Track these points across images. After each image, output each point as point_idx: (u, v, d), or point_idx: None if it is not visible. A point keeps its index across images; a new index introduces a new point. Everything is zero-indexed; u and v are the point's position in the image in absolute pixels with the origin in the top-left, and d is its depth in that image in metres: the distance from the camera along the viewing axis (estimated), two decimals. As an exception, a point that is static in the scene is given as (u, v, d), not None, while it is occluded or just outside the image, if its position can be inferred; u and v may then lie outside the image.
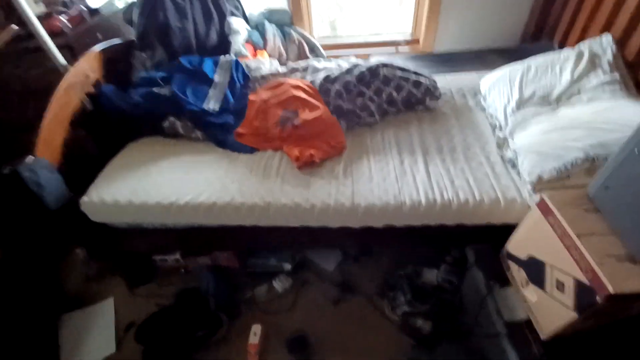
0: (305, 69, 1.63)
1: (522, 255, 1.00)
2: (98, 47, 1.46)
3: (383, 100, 1.47)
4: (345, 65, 1.59)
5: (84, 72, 1.34)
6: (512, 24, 1.82)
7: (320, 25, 2.20)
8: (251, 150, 1.36)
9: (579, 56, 1.29)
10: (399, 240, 1.32)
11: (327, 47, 2.07)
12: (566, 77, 1.25)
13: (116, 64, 1.54)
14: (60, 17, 1.47)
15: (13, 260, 1.40)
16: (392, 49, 2.11)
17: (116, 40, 1.56)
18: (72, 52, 1.46)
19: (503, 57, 1.71)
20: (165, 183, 1.21)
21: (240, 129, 1.42)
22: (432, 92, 1.47)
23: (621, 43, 1.28)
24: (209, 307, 1.46)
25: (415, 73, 1.50)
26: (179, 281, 1.63)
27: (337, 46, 2.11)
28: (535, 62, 1.37)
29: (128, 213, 1.21)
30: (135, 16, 1.52)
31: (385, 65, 1.47)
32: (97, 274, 1.69)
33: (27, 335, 1.41)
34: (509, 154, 1.19)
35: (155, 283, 1.64)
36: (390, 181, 1.19)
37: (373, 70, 1.46)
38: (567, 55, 1.32)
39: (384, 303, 1.43)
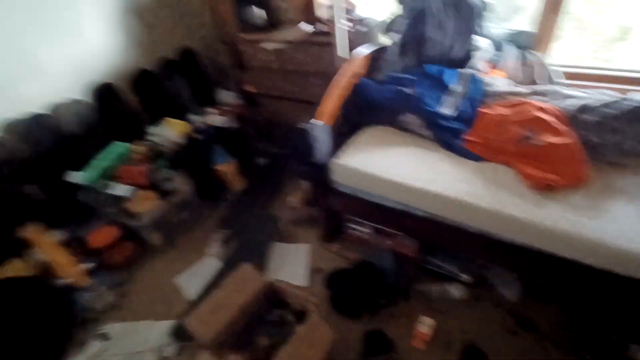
0: (548, 93, 1.59)
1: None
2: (369, 49, 1.82)
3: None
4: (600, 97, 1.47)
5: (359, 66, 1.71)
6: None
7: (562, 53, 2.07)
8: (478, 158, 1.44)
9: None
10: (626, 298, 1.16)
11: (568, 76, 1.93)
12: None
13: (371, 63, 1.88)
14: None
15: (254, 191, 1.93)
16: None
17: (376, 45, 1.90)
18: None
19: None
20: (402, 165, 1.43)
21: (469, 137, 1.52)
22: None
23: None
24: (385, 281, 1.63)
25: None
26: (361, 251, 1.88)
27: (581, 76, 1.95)
28: None
29: (364, 180, 1.47)
30: (399, 26, 1.81)
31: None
32: (300, 220, 2.11)
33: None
34: None
35: (342, 245, 1.94)
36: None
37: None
38: None
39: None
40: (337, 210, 1.73)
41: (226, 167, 2.16)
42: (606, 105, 1.39)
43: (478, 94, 1.69)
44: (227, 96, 2.66)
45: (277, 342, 1.36)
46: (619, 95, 1.48)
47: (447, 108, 1.63)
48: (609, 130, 1.36)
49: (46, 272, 1.68)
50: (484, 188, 1.29)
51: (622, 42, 2.10)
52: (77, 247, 1.80)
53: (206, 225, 2.17)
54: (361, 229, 1.86)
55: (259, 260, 1.86)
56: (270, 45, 2.12)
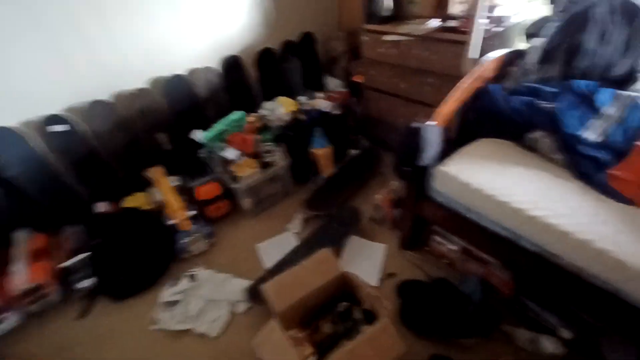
0: None
1: None
2: (499, 52, 1.63)
3: None
4: None
5: (487, 69, 1.54)
6: None
7: None
8: (626, 200, 1.18)
9: None
10: None
11: None
12: None
13: (501, 69, 1.68)
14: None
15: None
16: None
17: (512, 49, 1.69)
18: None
19: None
20: (521, 188, 1.25)
21: (617, 172, 1.25)
22: None
23: None
24: (469, 309, 1.48)
25: None
26: (440, 268, 1.74)
27: None
28: None
29: (470, 195, 1.34)
30: (547, 30, 1.57)
31: None
32: (382, 219, 2.05)
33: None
34: None
35: (421, 256, 1.83)
36: None
37: None
38: None
39: None
40: (427, 218, 1.62)
41: (322, 151, 2.21)
42: None
43: (638, 123, 1.37)
44: (334, 83, 2.72)
45: (339, 333, 1.36)
46: None
47: (592, 133, 1.37)
48: None
49: (160, 210, 1.97)
50: (631, 237, 1.05)
51: None
52: (187, 194, 2.07)
53: (292, 202, 2.27)
54: (447, 245, 1.72)
55: (335, 248, 1.87)
56: (391, 37, 2.06)
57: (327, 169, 2.30)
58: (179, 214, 1.90)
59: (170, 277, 1.84)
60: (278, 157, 2.12)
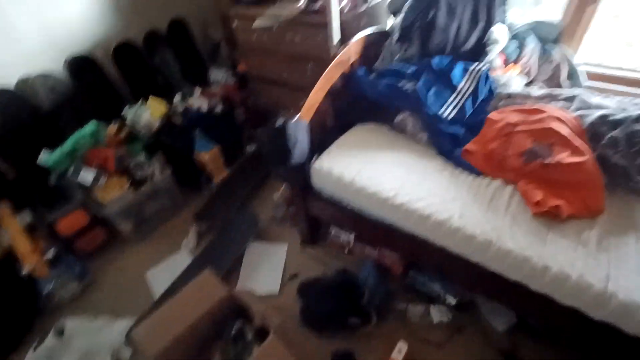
0: (570, 99, 1.35)
1: None
2: (363, 33, 1.58)
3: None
4: (633, 107, 1.24)
5: (348, 54, 1.49)
6: None
7: (592, 50, 1.79)
8: (477, 172, 1.25)
9: None
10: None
11: (594, 77, 1.67)
12: None
13: (369, 50, 1.65)
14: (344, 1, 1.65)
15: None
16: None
17: (376, 29, 1.66)
18: (343, 33, 1.63)
19: None
20: (388, 176, 1.24)
21: (470, 146, 1.31)
22: None
23: None
24: (363, 298, 1.49)
25: None
26: (341, 258, 1.73)
27: (610, 79, 1.68)
28: None
29: (344, 189, 1.30)
30: (404, 8, 1.57)
31: None
32: (283, 218, 1.96)
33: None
34: None
35: (322, 249, 1.80)
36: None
37: (684, 128, 1.08)
38: None
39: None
40: (316, 214, 1.57)
41: (208, 154, 2.01)
42: (638, 119, 1.16)
43: (489, 96, 1.46)
44: (220, 75, 2.47)
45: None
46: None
47: (450, 110, 1.42)
48: (636, 151, 1.14)
49: (11, 256, 1.60)
50: (479, 211, 1.10)
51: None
52: (44, 231, 1.71)
53: (183, 216, 2.04)
54: (344, 235, 1.71)
55: (233, 259, 1.74)
56: (260, 22, 1.90)
57: (219, 173, 2.11)
58: (31, 259, 1.56)
59: (35, 336, 1.53)
60: (155, 170, 1.86)
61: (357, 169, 1.29)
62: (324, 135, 1.48)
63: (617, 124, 1.17)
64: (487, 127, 1.35)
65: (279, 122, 1.25)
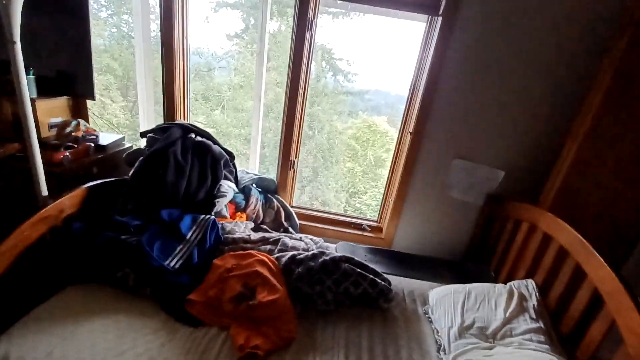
0: (276, 242, 1.74)
1: None
2: (86, 185, 1.54)
3: (340, 291, 1.53)
4: (313, 248, 1.73)
5: (60, 207, 1.37)
6: (458, 243, 2.13)
7: (299, 198, 2.49)
8: (196, 323, 1.30)
9: (510, 295, 1.47)
10: None
11: (301, 217, 2.28)
12: (500, 314, 1.39)
13: (100, 200, 1.59)
14: (66, 153, 1.60)
15: None
16: (359, 230, 2.35)
17: (107, 179, 1.67)
18: (63, 183, 1.53)
19: (450, 270, 1.92)
20: (90, 348, 1.08)
21: (193, 296, 1.38)
22: (385, 294, 1.56)
23: (543, 291, 1.50)
24: None
25: (374, 272, 1.62)
26: None
27: (310, 217, 2.34)
28: (475, 289, 1.54)
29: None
30: (137, 162, 1.69)
31: (348, 260, 1.61)
32: None
33: None
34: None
35: None
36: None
37: (336, 262, 1.58)
38: (500, 291, 1.50)
39: None
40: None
41: None
42: (312, 258, 1.61)
43: (215, 243, 1.66)
44: None
45: None
46: (325, 247, 1.79)
47: (177, 260, 1.50)
48: (315, 280, 1.54)
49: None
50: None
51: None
52: None
53: None
54: None
55: None
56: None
57: None
58: None
59: None
60: None
61: (51, 346, 1.07)
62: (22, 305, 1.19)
63: (300, 262, 1.58)
64: (211, 274, 1.49)
65: None
